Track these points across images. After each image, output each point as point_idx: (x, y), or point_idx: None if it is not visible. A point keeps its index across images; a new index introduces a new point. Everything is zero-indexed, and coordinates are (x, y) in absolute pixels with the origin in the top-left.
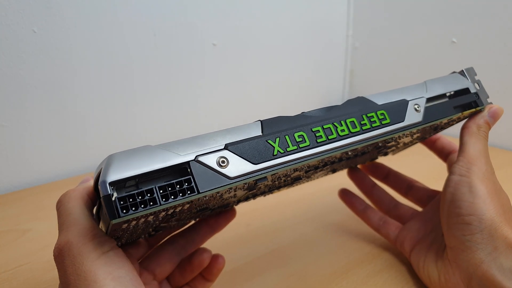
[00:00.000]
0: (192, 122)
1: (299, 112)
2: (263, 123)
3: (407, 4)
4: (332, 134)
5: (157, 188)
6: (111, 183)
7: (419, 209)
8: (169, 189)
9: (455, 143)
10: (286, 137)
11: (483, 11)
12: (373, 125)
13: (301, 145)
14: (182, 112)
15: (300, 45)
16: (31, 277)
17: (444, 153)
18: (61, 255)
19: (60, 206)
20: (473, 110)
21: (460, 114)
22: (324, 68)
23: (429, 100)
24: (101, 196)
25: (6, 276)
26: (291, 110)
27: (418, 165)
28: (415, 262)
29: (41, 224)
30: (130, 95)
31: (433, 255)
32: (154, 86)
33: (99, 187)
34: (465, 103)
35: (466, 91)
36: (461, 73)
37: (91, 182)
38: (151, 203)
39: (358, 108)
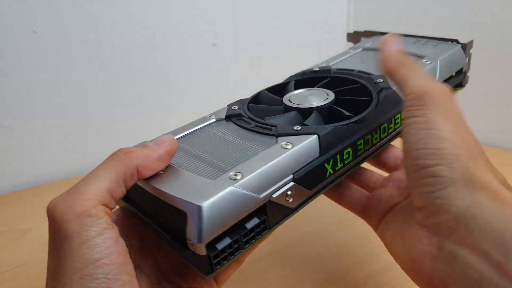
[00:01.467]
0: None
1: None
2: (321, 138)
3: (407, 5)
4: (368, 144)
5: (241, 236)
6: (207, 245)
7: (386, 174)
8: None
9: None
10: (338, 156)
11: (483, 11)
12: (396, 126)
13: (346, 162)
14: (182, 112)
15: (300, 45)
16: (31, 277)
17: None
18: (49, 224)
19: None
20: (458, 90)
21: None
22: None
23: None
24: (194, 253)
25: (6, 276)
26: None
27: None
28: (381, 232)
29: (41, 224)
30: (130, 95)
31: (398, 220)
32: (153, 86)
33: (194, 249)
34: (455, 85)
35: (460, 71)
36: (463, 47)
37: (137, 158)
38: (237, 250)
39: (393, 109)
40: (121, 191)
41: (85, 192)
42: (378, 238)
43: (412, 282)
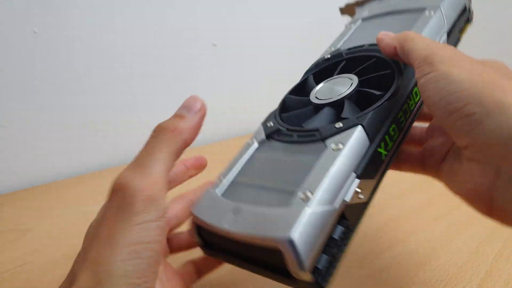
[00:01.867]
0: None
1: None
2: (366, 127)
3: None
4: (407, 112)
5: (334, 248)
6: (310, 270)
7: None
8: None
9: None
10: (386, 137)
11: (482, 10)
12: None
13: (394, 138)
14: None
15: (301, 45)
16: (31, 277)
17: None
18: (113, 195)
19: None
20: (467, 26)
21: (460, 36)
22: None
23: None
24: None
25: (6, 276)
26: None
27: None
28: (441, 177)
29: (41, 224)
30: (130, 95)
31: (450, 162)
32: (153, 86)
33: (299, 277)
34: (463, 24)
35: (464, 8)
36: None
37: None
38: (335, 260)
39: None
40: (172, 168)
41: (152, 175)
42: (378, 237)
43: (412, 281)
